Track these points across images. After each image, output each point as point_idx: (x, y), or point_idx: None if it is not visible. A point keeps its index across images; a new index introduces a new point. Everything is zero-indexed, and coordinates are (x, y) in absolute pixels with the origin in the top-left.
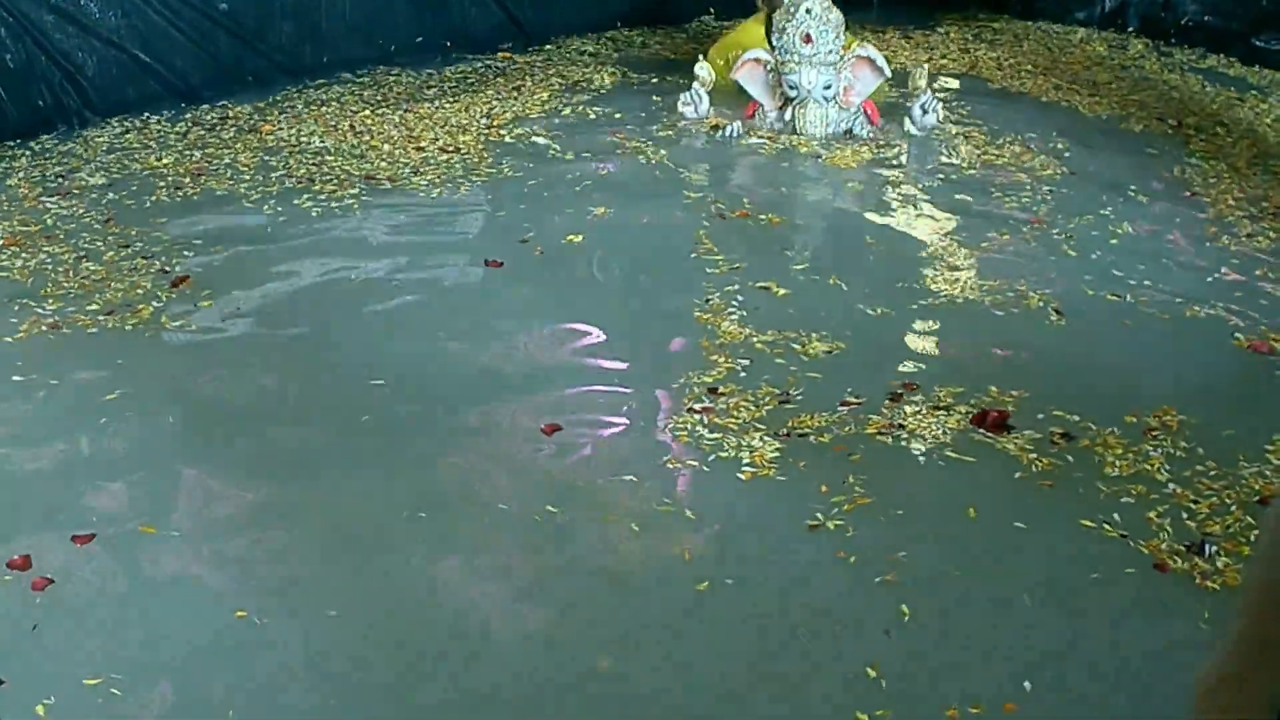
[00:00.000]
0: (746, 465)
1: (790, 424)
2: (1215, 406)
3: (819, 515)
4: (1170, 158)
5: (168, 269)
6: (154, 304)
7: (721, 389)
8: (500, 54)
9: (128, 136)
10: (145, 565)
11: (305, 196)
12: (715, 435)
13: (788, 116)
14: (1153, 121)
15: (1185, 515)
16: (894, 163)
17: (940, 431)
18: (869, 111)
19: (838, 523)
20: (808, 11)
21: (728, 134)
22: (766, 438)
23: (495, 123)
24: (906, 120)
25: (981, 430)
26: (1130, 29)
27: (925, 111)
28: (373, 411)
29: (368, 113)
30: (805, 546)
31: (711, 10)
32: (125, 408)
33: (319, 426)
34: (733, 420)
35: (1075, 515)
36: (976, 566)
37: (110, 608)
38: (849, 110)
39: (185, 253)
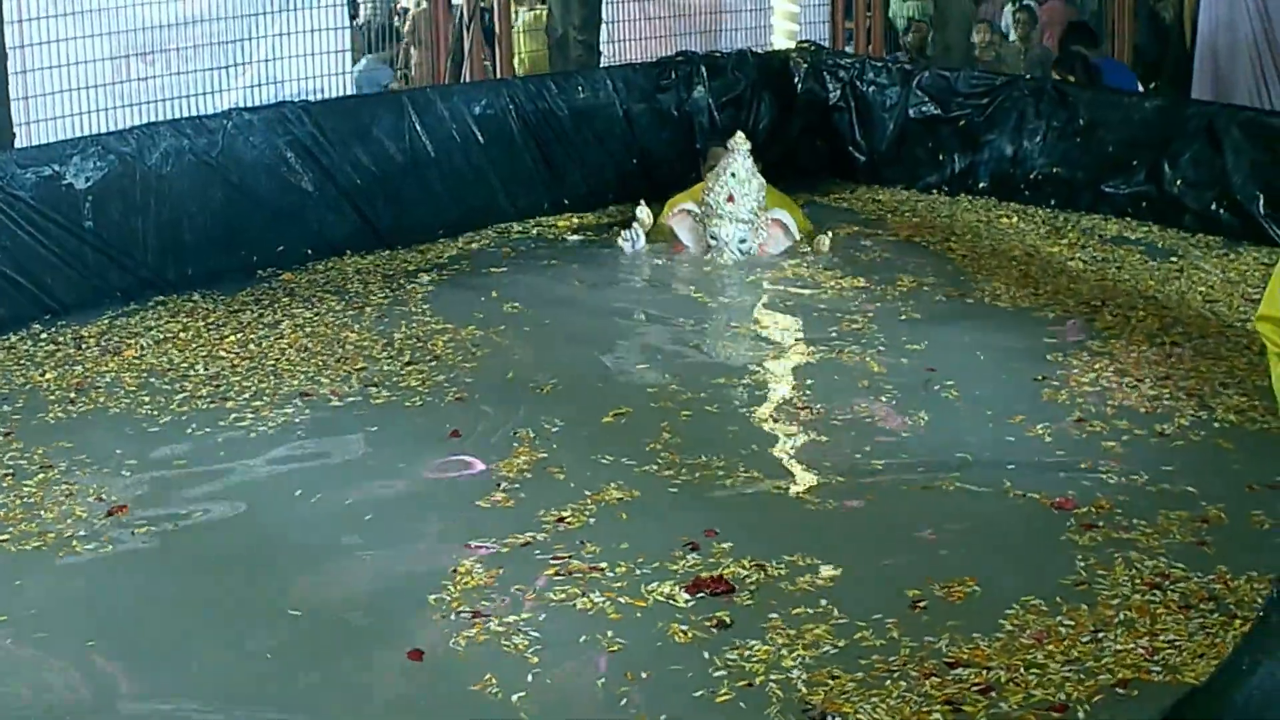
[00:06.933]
0: None
1: None
2: (998, 569)
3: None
4: (1065, 342)
5: (103, 497)
6: (86, 530)
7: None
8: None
9: None
10: None
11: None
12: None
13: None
14: (1077, 306)
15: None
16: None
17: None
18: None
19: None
20: (733, 175)
21: (634, 248)
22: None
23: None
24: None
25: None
26: (981, 186)
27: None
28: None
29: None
30: None
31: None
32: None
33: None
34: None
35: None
36: None
37: None
38: None
39: (123, 473)
